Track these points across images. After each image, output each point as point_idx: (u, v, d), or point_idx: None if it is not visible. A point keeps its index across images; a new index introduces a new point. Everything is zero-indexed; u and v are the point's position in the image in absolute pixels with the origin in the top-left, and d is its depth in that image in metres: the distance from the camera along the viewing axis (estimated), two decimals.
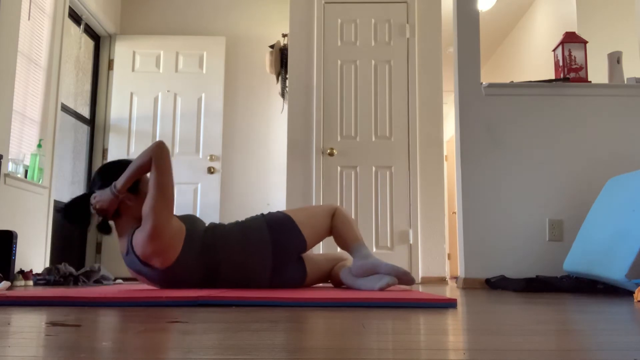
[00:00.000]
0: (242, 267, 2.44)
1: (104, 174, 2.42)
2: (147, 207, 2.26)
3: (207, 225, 2.54)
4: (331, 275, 2.70)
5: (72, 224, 2.43)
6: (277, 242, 2.45)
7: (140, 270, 2.35)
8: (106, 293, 1.96)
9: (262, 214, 2.57)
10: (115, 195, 2.32)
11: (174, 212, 2.64)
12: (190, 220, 2.45)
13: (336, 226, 2.56)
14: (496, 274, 3.39)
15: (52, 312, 1.50)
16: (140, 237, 2.27)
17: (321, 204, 4.51)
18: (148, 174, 2.38)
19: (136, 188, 2.39)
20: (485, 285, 3.37)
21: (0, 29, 3.58)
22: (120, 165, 2.43)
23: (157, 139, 5.25)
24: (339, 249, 4.34)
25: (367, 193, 4.54)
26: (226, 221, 5.16)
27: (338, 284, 2.71)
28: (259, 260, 2.44)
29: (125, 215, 2.39)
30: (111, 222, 2.47)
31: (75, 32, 5.01)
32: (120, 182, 2.32)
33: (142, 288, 2.51)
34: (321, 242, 4.40)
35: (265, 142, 5.41)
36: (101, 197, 2.34)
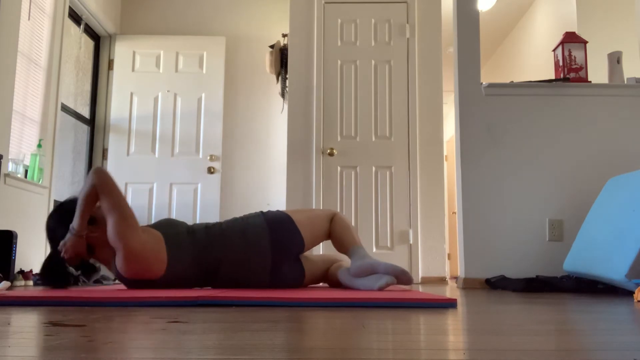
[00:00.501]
0: (242, 265, 2.44)
1: (58, 222, 2.39)
2: (110, 233, 2.25)
3: (189, 225, 2.51)
4: (327, 276, 2.70)
5: (56, 287, 2.40)
6: (276, 240, 2.45)
7: (140, 286, 2.36)
8: (106, 293, 1.96)
9: (262, 212, 2.57)
10: (78, 236, 2.30)
11: (145, 223, 2.63)
12: (164, 226, 2.43)
13: (335, 230, 2.56)
14: (496, 274, 3.39)
15: (52, 312, 1.50)
16: (120, 263, 2.27)
17: (321, 204, 4.51)
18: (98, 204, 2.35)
19: (93, 220, 2.37)
20: (485, 285, 3.37)
21: (0, 29, 3.58)
22: (69, 206, 2.40)
23: (158, 139, 5.25)
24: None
25: (367, 193, 4.54)
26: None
27: (334, 285, 2.70)
28: (258, 258, 2.44)
29: (98, 248, 2.38)
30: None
31: (75, 32, 5.01)
32: (75, 222, 2.30)
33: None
34: (320, 245, 4.40)
35: (265, 142, 5.41)
36: (66, 244, 2.32)
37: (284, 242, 2.47)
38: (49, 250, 4.27)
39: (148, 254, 2.27)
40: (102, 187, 2.26)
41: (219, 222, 2.54)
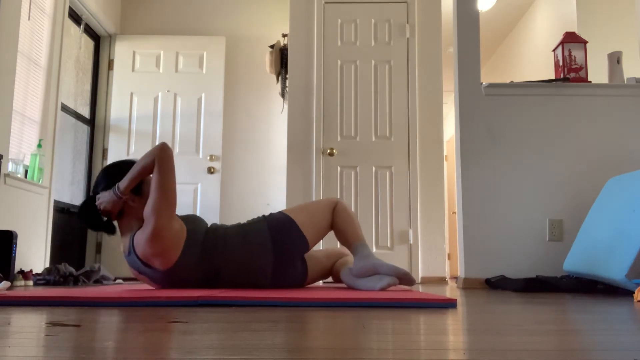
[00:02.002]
0: (244, 269, 2.44)
1: (107, 174, 2.43)
2: (148, 208, 2.27)
3: (209, 225, 2.53)
4: (333, 272, 2.70)
5: (87, 226, 2.47)
6: (279, 244, 2.45)
7: (141, 271, 2.36)
8: (106, 293, 1.96)
9: (264, 216, 2.56)
10: (118, 197, 2.34)
11: (176, 213, 2.64)
12: (191, 221, 2.45)
13: (337, 222, 2.55)
14: (496, 274, 3.39)
15: (52, 312, 1.50)
16: (141, 238, 2.28)
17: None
18: (151, 175, 2.39)
19: (139, 189, 2.40)
20: (485, 285, 3.37)
21: (0, 29, 3.58)
22: (124, 165, 2.44)
23: (158, 139, 5.25)
24: (339, 244, 4.34)
25: (367, 193, 4.54)
26: (226, 221, 5.17)
27: (339, 280, 2.71)
28: (260, 262, 2.44)
29: (128, 215, 2.40)
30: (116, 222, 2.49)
31: (75, 32, 5.01)
32: (123, 183, 2.33)
33: (142, 288, 2.51)
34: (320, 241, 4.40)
35: (265, 142, 5.41)
36: (104, 198, 2.36)
37: (287, 245, 2.46)
38: (49, 250, 4.27)
39: (169, 242, 2.29)
40: (162, 164, 2.29)
41: (224, 226, 2.53)
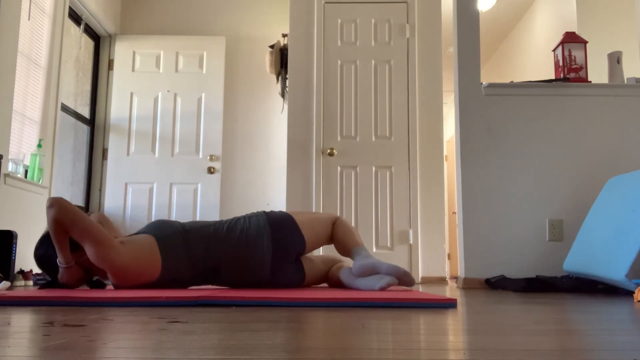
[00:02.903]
0: (243, 263, 2.44)
1: (46, 261, 2.39)
2: (92, 259, 2.27)
3: (183, 224, 2.50)
4: (328, 277, 2.70)
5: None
6: (278, 239, 2.46)
7: (140, 288, 2.37)
8: (106, 293, 1.96)
9: (264, 211, 2.57)
10: (68, 267, 2.32)
11: (145, 223, 2.64)
12: (157, 228, 2.43)
13: (337, 234, 2.57)
14: (496, 274, 3.39)
15: (52, 312, 1.50)
16: (112, 280, 2.31)
17: (321, 204, 4.51)
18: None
19: (75, 246, 2.36)
20: (485, 285, 3.37)
21: (0, 29, 3.58)
22: (48, 243, 2.38)
23: (158, 139, 5.24)
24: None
25: (367, 193, 4.54)
26: None
27: (334, 286, 2.70)
28: (259, 256, 2.44)
29: (93, 266, 2.38)
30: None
31: (75, 32, 5.01)
32: (59, 257, 2.31)
33: (142, 288, 2.51)
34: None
35: (265, 142, 5.41)
36: (61, 276, 2.34)
37: (285, 241, 2.47)
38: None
39: (136, 264, 2.28)
40: (63, 220, 2.24)
41: (221, 222, 2.53)
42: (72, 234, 2.27)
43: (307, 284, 2.65)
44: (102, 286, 2.48)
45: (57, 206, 2.24)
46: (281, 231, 2.47)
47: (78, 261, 2.35)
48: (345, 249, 2.55)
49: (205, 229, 2.47)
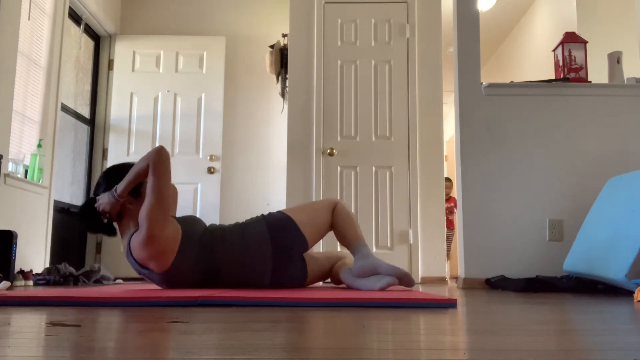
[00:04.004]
0: (243, 269, 2.44)
1: (107, 177, 2.45)
2: (143, 213, 2.27)
3: (207, 226, 2.53)
4: (331, 274, 2.70)
5: (88, 227, 2.48)
6: (278, 243, 2.45)
7: (140, 272, 2.38)
8: (106, 293, 1.96)
9: (263, 215, 2.56)
10: (115, 199, 2.35)
11: (175, 214, 2.64)
12: (188, 223, 2.44)
13: (337, 222, 2.56)
14: (496, 274, 3.39)
15: (52, 312, 1.50)
16: (136, 242, 2.29)
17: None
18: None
19: (137, 192, 2.41)
20: (485, 285, 3.37)
21: (0, 29, 3.58)
22: (125, 168, 2.46)
23: (158, 139, 5.25)
24: (339, 246, 4.34)
25: (367, 193, 4.53)
26: (226, 222, 5.16)
27: (338, 282, 2.71)
28: (259, 262, 2.44)
29: (126, 217, 2.41)
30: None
31: (75, 32, 5.01)
32: (120, 186, 2.34)
33: (142, 288, 2.51)
34: (320, 242, 4.40)
35: (265, 142, 5.41)
36: (103, 200, 2.37)
37: (286, 244, 2.46)
38: (49, 250, 4.27)
39: (163, 245, 2.29)
40: (156, 168, 2.29)
41: (222, 226, 2.53)
42: (150, 181, 2.29)
43: (310, 281, 2.66)
44: (111, 232, 2.48)
45: (160, 155, 2.30)
46: (281, 235, 2.46)
47: (126, 201, 2.37)
48: (345, 241, 2.55)
49: (214, 232, 2.47)
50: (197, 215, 5.13)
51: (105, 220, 2.45)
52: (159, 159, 2.30)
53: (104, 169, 2.52)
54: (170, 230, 2.32)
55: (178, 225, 2.39)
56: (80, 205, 2.49)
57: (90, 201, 2.46)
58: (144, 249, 2.27)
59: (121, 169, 2.45)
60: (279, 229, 2.47)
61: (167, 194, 2.30)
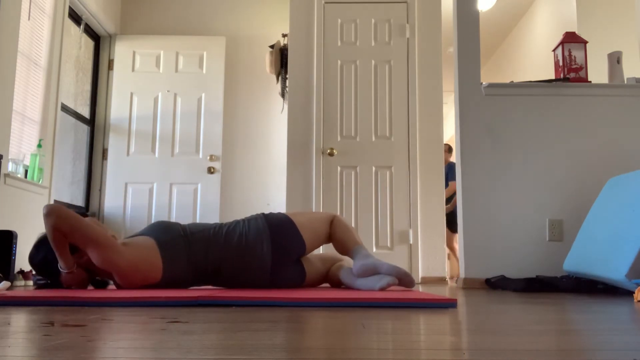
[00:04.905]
0: (243, 266, 2.44)
1: (45, 268, 2.37)
2: (96, 262, 2.25)
3: (184, 226, 2.49)
4: (328, 277, 2.69)
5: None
6: (277, 241, 2.45)
7: (143, 289, 2.37)
8: (106, 293, 1.96)
9: (263, 214, 2.56)
10: (71, 273, 2.30)
11: (145, 223, 2.63)
12: (157, 230, 2.41)
13: (335, 232, 2.55)
14: (496, 274, 3.39)
15: (52, 312, 1.50)
16: (118, 281, 2.30)
17: (321, 204, 4.51)
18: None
19: (74, 248, 2.32)
20: (485, 285, 3.37)
21: (0, 29, 3.58)
22: (48, 249, 2.34)
23: (158, 139, 5.24)
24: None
25: (367, 193, 4.54)
26: (226, 222, 5.16)
27: (335, 285, 2.70)
28: (258, 259, 2.44)
29: (95, 267, 2.36)
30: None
31: (75, 32, 5.01)
32: (61, 263, 2.28)
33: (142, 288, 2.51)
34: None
35: (265, 142, 5.41)
36: (66, 281, 2.32)
37: (284, 244, 2.46)
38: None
39: (140, 267, 2.27)
40: (63, 228, 2.21)
41: (220, 224, 2.53)
42: (72, 240, 2.24)
43: (307, 284, 2.65)
44: (104, 285, 2.48)
45: (55, 214, 2.20)
46: (281, 234, 2.46)
47: (79, 263, 2.33)
48: (345, 248, 2.54)
49: (205, 232, 2.46)
50: (197, 215, 5.13)
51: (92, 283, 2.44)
52: (57, 221, 2.19)
53: (31, 259, 2.38)
54: (134, 250, 2.29)
55: (145, 238, 2.36)
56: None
57: (53, 284, 2.39)
58: (129, 282, 2.28)
59: (44, 249, 2.34)
60: (279, 228, 2.47)
61: (94, 235, 2.23)
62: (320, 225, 2.55)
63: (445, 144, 6.20)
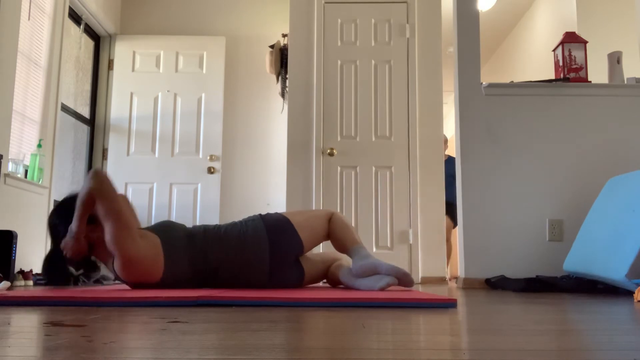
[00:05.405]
0: (241, 267, 2.44)
1: (58, 221, 2.36)
2: (107, 239, 2.22)
3: (189, 228, 2.49)
4: (327, 275, 2.69)
5: (56, 283, 2.38)
6: (275, 243, 2.45)
7: (140, 287, 2.36)
8: (106, 293, 1.96)
9: (260, 215, 2.56)
10: (76, 237, 2.27)
11: (145, 224, 2.60)
12: (163, 230, 2.40)
13: (334, 230, 2.54)
14: (496, 274, 3.39)
15: (52, 312, 1.50)
16: (117, 268, 2.26)
17: (321, 204, 4.51)
18: None
19: (93, 218, 2.31)
20: (485, 285, 3.37)
21: (0, 29, 3.58)
22: (67, 206, 2.35)
23: (158, 139, 5.25)
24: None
25: (367, 193, 4.54)
26: (226, 222, 5.16)
27: (334, 284, 2.70)
28: (256, 261, 2.44)
29: (98, 247, 2.34)
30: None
31: (75, 32, 5.01)
32: (74, 224, 2.26)
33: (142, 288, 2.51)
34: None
35: (265, 142, 5.41)
36: (67, 244, 2.29)
37: (282, 245, 2.46)
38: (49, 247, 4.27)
39: (144, 261, 2.26)
40: (99, 193, 2.21)
41: (219, 225, 2.53)
42: (100, 208, 2.21)
43: (306, 283, 2.65)
44: (93, 269, 2.43)
45: (98, 178, 2.22)
46: (278, 235, 2.46)
47: (88, 235, 2.30)
48: (343, 247, 2.54)
49: (205, 233, 2.46)
50: (197, 215, 5.13)
51: (77, 264, 2.37)
52: (98, 182, 2.21)
53: (49, 216, 2.39)
54: (146, 244, 2.28)
55: (154, 235, 2.35)
56: (43, 262, 2.37)
57: (53, 252, 2.36)
58: (129, 273, 2.25)
59: (66, 207, 2.35)
60: (276, 229, 2.47)
61: (121, 213, 2.23)
62: (319, 223, 2.55)
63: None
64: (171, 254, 2.34)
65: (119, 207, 2.24)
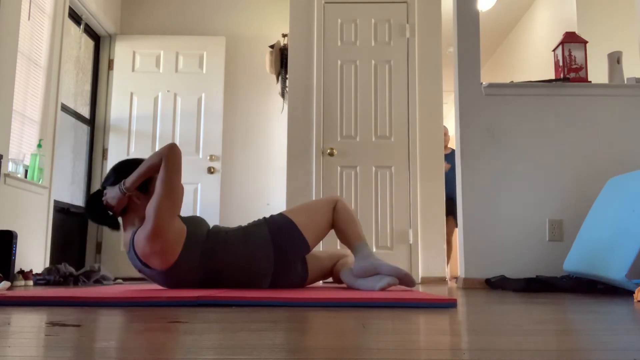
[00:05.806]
0: (244, 273, 2.44)
1: (117, 171, 2.44)
2: (151, 206, 2.26)
3: (211, 228, 2.52)
4: (333, 273, 2.70)
5: (92, 219, 2.45)
6: (280, 248, 2.44)
7: (140, 269, 2.37)
8: (106, 293, 1.96)
9: (265, 218, 2.55)
10: (123, 193, 2.33)
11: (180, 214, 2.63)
12: (193, 223, 2.44)
13: (338, 221, 2.54)
14: (496, 274, 3.39)
15: (52, 312, 1.50)
16: (141, 236, 2.28)
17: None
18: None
19: (146, 187, 2.40)
20: (485, 285, 3.37)
21: (0, 29, 3.58)
22: (135, 163, 2.45)
23: (158, 139, 5.25)
24: (338, 244, 4.34)
25: (367, 193, 4.53)
26: (226, 222, 5.17)
27: (340, 281, 2.71)
28: (261, 266, 2.43)
29: (132, 212, 2.39)
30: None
31: (75, 32, 5.01)
32: (129, 180, 2.34)
33: (142, 288, 2.51)
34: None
35: (265, 142, 5.41)
36: (110, 193, 2.36)
37: (287, 248, 2.46)
38: (49, 250, 4.27)
39: (167, 241, 2.28)
40: (168, 163, 2.29)
41: (225, 229, 2.52)
42: (161, 175, 2.28)
43: (310, 281, 2.66)
44: (115, 224, 2.47)
45: (173, 151, 2.31)
46: (283, 239, 2.45)
47: (135, 194, 2.36)
48: (347, 241, 2.54)
49: (217, 234, 2.46)
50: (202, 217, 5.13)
51: (111, 213, 2.44)
52: (172, 155, 2.31)
53: (119, 162, 2.52)
54: (176, 227, 2.32)
55: (183, 225, 2.39)
56: (87, 197, 2.47)
57: (97, 193, 2.45)
58: (148, 244, 2.26)
59: (132, 164, 2.45)
60: (281, 234, 2.46)
61: (177, 189, 2.31)
62: (322, 215, 2.54)
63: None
64: (189, 245, 2.35)
65: (178, 183, 2.32)
